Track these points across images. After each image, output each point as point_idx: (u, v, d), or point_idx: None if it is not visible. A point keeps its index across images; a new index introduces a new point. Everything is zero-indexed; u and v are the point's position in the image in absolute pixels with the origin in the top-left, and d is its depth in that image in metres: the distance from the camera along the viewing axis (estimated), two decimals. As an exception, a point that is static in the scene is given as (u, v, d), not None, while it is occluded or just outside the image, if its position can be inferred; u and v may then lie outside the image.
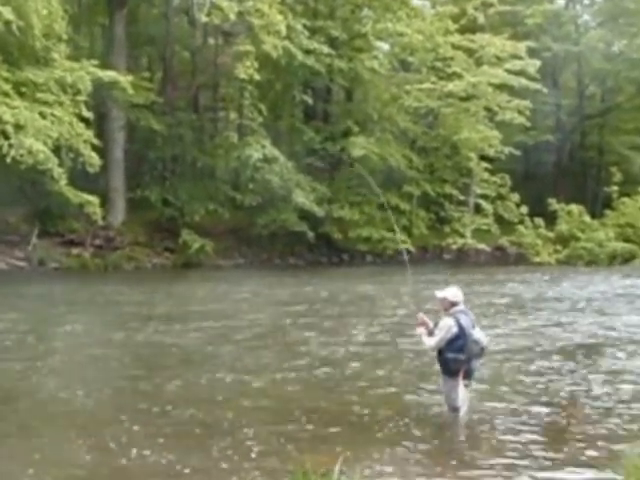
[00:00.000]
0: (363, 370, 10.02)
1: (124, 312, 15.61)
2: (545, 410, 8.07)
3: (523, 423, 7.56)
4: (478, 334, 7.47)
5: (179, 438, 7.02)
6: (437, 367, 7.72)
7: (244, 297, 18.58)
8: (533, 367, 10.26)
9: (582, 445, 6.88)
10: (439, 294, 7.62)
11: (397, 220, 32.72)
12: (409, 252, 32.00)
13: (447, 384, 7.59)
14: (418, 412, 7.96)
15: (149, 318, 14.51)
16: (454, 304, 7.53)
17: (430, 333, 7.61)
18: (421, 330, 7.67)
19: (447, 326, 7.40)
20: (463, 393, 7.55)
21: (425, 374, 9.53)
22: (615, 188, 34.53)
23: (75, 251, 26.85)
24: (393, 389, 8.99)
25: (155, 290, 20.22)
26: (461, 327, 7.35)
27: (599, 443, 6.91)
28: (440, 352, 7.50)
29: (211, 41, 32.52)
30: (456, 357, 7.37)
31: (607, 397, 8.61)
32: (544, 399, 8.54)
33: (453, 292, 7.61)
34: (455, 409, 7.56)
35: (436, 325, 7.57)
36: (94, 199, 24.31)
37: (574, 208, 34.12)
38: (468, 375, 7.53)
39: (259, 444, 6.78)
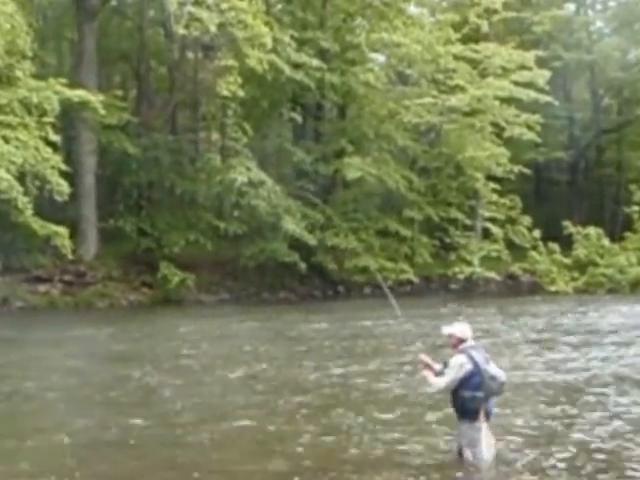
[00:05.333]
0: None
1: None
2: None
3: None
4: (494, 370, 7.47)
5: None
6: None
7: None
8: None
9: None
10: (445, 330, 7.65)
11: (398, 248, 32.87)
12: (411, 282, 32.15)
13: (466, 429, 7.50)
14: (434, 459, 7.92)
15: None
16: (462, 340, 7.55)
17: (438, 374, 7.57)
18: (426, 372, 7.65)
19: (458, 364, 7.39)
20: (487, 438, 7.48)
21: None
22: (636, 208, 34.63)
23: (42, 288, 26.72)
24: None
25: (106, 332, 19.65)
26: (475, 363, 7.36)
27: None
28: (455, 392, 7.46)
29: (190, 55, 32.68)
30: (474, 395, 7.34)
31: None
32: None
33: (460, 328, 7.64)
34: (479, 459, 7.46)
35: (446, 365, 7.54)
36: (63, 230, 24.27)
37: (591, 231, 34.13)
38: (486, 415, 7.47)
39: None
